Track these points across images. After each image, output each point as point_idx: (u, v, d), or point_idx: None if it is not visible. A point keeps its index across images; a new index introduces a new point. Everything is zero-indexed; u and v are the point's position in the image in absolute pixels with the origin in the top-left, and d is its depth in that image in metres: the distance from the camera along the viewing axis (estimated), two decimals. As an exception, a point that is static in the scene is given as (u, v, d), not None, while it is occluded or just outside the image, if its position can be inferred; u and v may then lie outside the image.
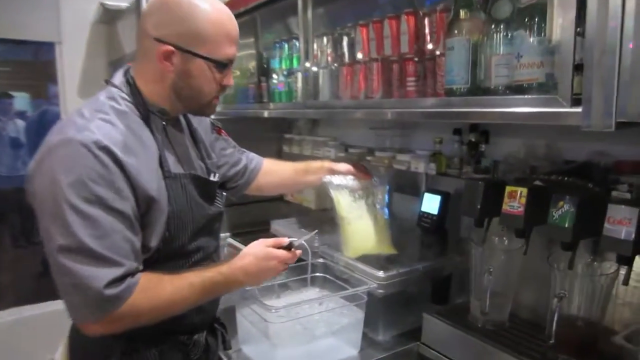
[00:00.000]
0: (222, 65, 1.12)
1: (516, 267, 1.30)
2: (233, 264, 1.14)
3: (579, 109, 0.87)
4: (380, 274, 1.33)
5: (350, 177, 1.54)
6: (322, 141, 2.45)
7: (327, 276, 1.45)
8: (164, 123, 1.15)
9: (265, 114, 2.16)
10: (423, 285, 1.48)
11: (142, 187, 1.02)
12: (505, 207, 1.28)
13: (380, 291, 1.33)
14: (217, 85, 1.14)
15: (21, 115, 4.30)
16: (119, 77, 1.14)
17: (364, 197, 1.51)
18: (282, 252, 1.19)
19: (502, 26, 1.14)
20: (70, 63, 2.63)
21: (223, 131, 1.52)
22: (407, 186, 1.91)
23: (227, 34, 1.11)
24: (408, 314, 1.46)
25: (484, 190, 1.32)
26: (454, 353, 1.31)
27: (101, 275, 0.94)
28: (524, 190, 1.24)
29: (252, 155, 1.63)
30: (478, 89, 1.18)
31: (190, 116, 1.32)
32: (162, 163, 1.09)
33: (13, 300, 3.48)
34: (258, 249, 1.18)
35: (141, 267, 1.03)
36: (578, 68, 0.89)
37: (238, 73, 2.54)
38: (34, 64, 4.08)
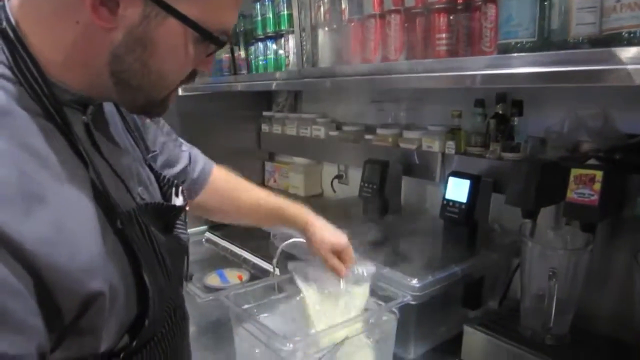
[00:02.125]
0: (209, 36, 0.60)
1: (583, 268, 1.04)
2: None
3: None
4: (415, 282, 1.06)
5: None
6: (309, 118, 2.15)
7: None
8: (85, 120, 0.62)
9: (241, 87, 1.83)
10: (456, 289, 1.22)
11: (69, 280, 0.50)
12: (572, 194, 1.02)
13: (414, 303, 1.06)
14: (189, 69, 0.64)
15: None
16: None
17: (337, 297, 1.03)
18: None
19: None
20: None
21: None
22: (416, 169, 1.63)
23: None
24: (440, 324, 1.20)
25: (540, 173, 1.06)
26: (505, 374, 1.06)
27: None
28: (599, 174, 0.98)
29: (197, 153, 1.07)
30: (548, 43, 0.90)
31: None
32: (105, 203, 0.58)
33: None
34: None
35: None
36: None
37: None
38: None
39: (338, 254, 1.04)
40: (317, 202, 2.13)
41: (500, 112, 1.41)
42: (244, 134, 2.49)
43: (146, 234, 0.64)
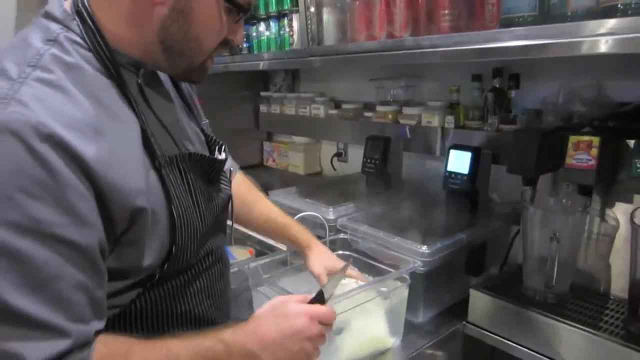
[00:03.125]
0: (239, 10, 0.75)
1: (580, 229, 1.11)
2: (242, 327, 0.74)
3: None
4: (424, 249, 1.12)
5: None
6: (308, 97, 2.18)
7: (352, 254, 1.22)
8: (139, 81, 0.74)
9: (238, 66, 1.85)
10: (460, 257, 1.29)
11: (122, 198, 0.63)
12: (570, 160, 1.09)
13: (423, 269, 1.12)
14: (221, 38, 0.76)
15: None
16: (58, 4, 0.70)
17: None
18: (314, 309, 0.78)
19: None
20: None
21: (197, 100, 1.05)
22: (416, 144, 1.68)
23: None
24: (446, 290, 1.26)
25: (539, 142, 1.12)
26: (510, 331, 1.13)
27: (27, 354, 0.56)
28: (596, 140, 1.04)
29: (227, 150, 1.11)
30: (549, 16, 0.95)
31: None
32: (149, 145, 0.70)
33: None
34: (278, 307, 0.78)
35: (102, 325, 0.64)
36: None
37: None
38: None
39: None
40: (317, 180, 2.19)
41: (497, 85, 1.46)
42: (242, 114, 2.52)
43: (184, 177, 0.76)
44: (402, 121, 1.73)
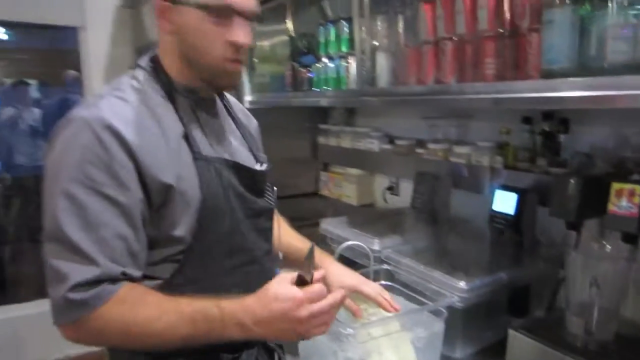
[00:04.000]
0: (218, 12, 0.90)
1: (624, 277, 1.11)
2: (239, 300, 0.86)
3: None
4: (462, 284, 1.16)
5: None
6: (363, 132, 2.28)
7: (394, 285, 1.28)
8: (192, 104, 0.99)
9: (300, 102, 1.99)
10: (501, 297, 1.31)
11: (155, 175, 0.87)
12: (612, 207, 1.09)
13: (461, 304, 1.16)
14: (222, 41, 0.93)
15: (37, 103, 4.21)
16: (144, 59, 1.01)
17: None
18: (303, 293, 0.84)
19: (618, -7, 0.95)
20: (94, 49, 2.48)
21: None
22: (465, 182, 1.72)
23: None
24: (486, 327, 1.28)
25: (581, 187, 1.14)
26: (547, 376, 1.13)
27: (71, 273, 0.80)
28: (638, 188, 1.05)
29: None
30: (587, 68, 0.99)
31: (236, 109, 1.17)
32: (190, 145, 0.94)
33: (35, 292, 3.39)
34: (272, 288, 0.86)
35: (138, 274, 0.87)
36: None
37: (260, 57, 2.38)
38: (50, 50, 3.97)
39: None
40: (368, 212, 2.26)
41: (547, 129, 1.49)
42: (302, 145, 2.66)
43: (218, 174, 0.95)
44: (452, 159, 1.77)
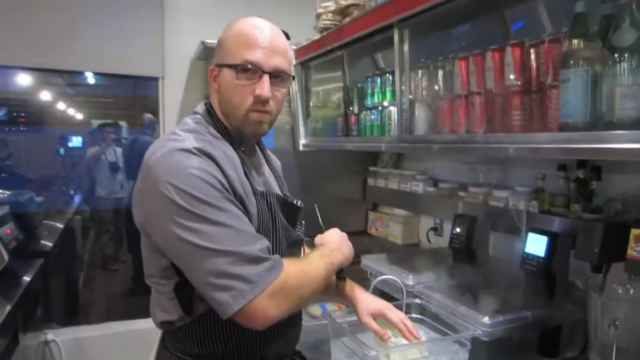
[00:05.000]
0: (241, 69, 1.09)
1: (644, 320, 1.15)
2: (324, 243, 1.21)
3: None
4: (486, 319, 1.24)
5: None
6: (410, 175, 2.40)
7: (424, 318, 1.37)
8: (242, 149, 1.19)
9: (352, 147, 2.16)
10: (530, 335, 1.36)
11: (238, 193, 1.05)
12: (632, 252, 1.16)
13: (484, 339, 1.23)
14: (246, 94, 1.11)
15: (118, 142, 4.68)
16: (201, 106, 1.21)
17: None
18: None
19: (626, 55, 1.05)
20: (170, 96, 2.80)
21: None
22: (503, 225, 1.80)
23: (246, 41, 1.10)
24: (514, 364, 1.34)
25: (603, 232, 1.21)
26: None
27: (253, 243, 0.99)
28: (654, 235, 1.11)
29: None
30: (599, 123, 1.09)
31: (267, 152, 1.37)
32: (249, 180, 1.12)
33: (103, 315, 3.69)
34: (326, 233, 1.28)
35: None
36: None
37: (320, 104, 2.58)
38: (132, 96, 4.43)
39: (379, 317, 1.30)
40: (409, 250, 2.35)
41: (581, 176, 1.55)
42: (352, 186, 2.82)
43: (270, 207, 1.14)
44: (491, 202, 1.86)
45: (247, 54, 1.09)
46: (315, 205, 1.39)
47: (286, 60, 1.15)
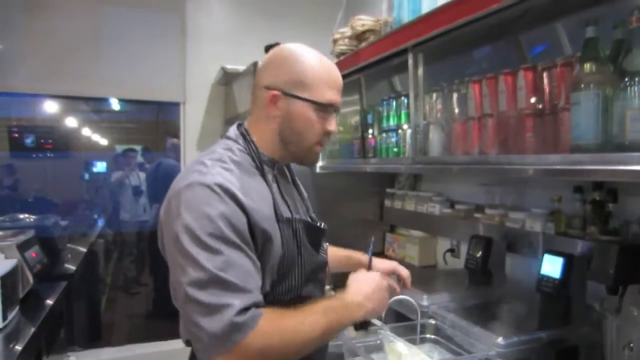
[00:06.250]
0: (323, 108, 1.15)
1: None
2: (347, 289, 1.16)
3: None
4: (500, 340, 1.24)
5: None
6: (426, 196, 2.42)
7: (439, 338, 1.38)
8: (274, 172, 1.20)
9: (368, 168, 2.19)
10: (546, 356, 1.35)
11: (260, 226, 1.05)
12: (645, 274, 1.15)
13: (499, 359, 1.23)
14: (320, 130, 1.17)
15: (141, 166, 4.79)
16: (233, 130, 1.21)
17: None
18: (373, 272, 1.23)
19: (636, 79, 1.07)
20: (192, 121, 2.90)
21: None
22: (519, 246, 1.79)
23: (327, 80, 1.16)
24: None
25: (618, 253, 1.21)
26: None
27: (233, 302, 0.96)
28: (670, 256, 1.11)
29: None
30: (610, 145, 1.10)
31: (294, 172, 1.38)
32: (275, 208, 1.13)
33: (125, 338, 3.73)
34: (361, 274, 1.21)
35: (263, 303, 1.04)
36: None
37: (342, 129, 2.63)
38: (155, 121, 4.56)
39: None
40: (426, 271, 2.35)
41: (597, 198, 1.55)
42: (369, 207, 2.84)
43: (295, 233, 1.15)
44: (507, 224, 1.86)
45: (331, 95, 1.16)
46: (372, 238, 1.45)
47: None
